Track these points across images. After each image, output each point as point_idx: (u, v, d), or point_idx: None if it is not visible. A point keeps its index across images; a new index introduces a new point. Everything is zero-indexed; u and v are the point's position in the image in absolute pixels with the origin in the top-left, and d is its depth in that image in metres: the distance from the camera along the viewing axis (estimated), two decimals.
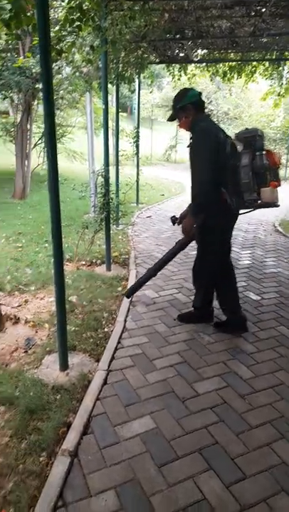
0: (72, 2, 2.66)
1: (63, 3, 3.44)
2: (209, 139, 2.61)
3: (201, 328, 3.14)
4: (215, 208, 2.67)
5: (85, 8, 2.71)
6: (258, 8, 4.57)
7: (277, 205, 2.57)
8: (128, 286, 3.91)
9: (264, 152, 2.54)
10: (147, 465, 1.86)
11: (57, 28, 3.13)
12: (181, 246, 3.11)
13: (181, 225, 2.97)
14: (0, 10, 2.09)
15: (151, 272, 3.42)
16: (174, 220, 3.11)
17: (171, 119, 2.94)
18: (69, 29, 2.88)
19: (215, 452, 1.94)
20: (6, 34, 2.78)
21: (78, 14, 2.68)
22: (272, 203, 2.55)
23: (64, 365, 2.62)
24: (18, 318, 3.32)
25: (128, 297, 3.59)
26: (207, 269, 3.04)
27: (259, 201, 2.58)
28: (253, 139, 2.58)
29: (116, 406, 2.26)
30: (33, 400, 2.27)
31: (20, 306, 3.59)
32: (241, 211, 2.75)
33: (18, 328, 3.19)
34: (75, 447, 1.94)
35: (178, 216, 3.10)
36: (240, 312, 3.15)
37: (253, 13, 4.74)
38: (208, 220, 2.75)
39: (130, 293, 3.58)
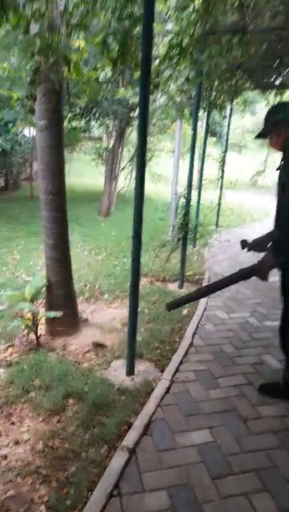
0: (174, 40, 2.92)
1: (164, 40, 3.76)
2: None
3: (269, 355, 3.07)
4: None
5: (184, 45, 2.95)
6: None
7: None
8: (199, 307, 3.97)
9: None
10: (202, 474, 1.88)
11: (156, 63, 3.43)
12: (241, 276, 2.40)
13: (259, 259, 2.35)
14: (110, 52, 2.41)
15: (202, 293, 2.86)
16: (244, 244, 2.55)
17: (260, 135, 2.50)
18: (167, 64, 3.13)
19: (273, 476, 1.89)
20: (111, 70, 3.13)
21: (178, 51, 2.92)
22: None
23: (130, 371, 2.76)
24: (92, 323, 3.58)
25: (169, 310, 2.92)
26: None
27: None
28: None
29: (176, 414, 2.32)
30: (100, 396, 2.44)
31: (95, 312, 3.86)
32: None
33: (92, 332, 3.44)
34: (134, 445, 2.04)
35: (250, 241, 2.53)
36: None
37: None
38: None
39: (172, 307, 2.80)
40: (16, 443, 2.12)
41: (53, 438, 2.12)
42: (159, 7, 3.34)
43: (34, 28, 2.67)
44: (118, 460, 1.93)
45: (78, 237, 6.98)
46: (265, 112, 2.43)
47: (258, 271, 2.29)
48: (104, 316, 3.78)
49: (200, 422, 2.27)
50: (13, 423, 2.27)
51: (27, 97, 2.85)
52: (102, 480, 1.82)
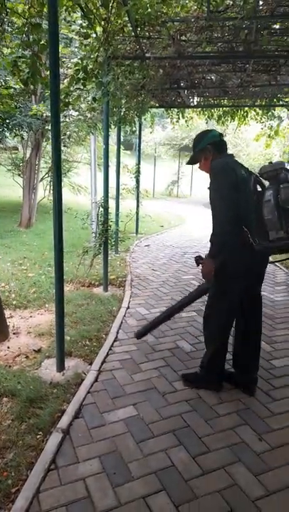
0: (78, 65, 3.25)
1: (72, 61, 4.08)
2: (225, 176, 2.38)
3: (183, 341, 3.51)
4: (235, 250, 2.38)
5: (89, 69, 3.30)
6: (242, 65, 5.25)
7: None
8: (122, 305, 4.30)
9: None
10: (128, 441, 2.20)
11: (65, 84, 3.72)
12: (200, 293, 2.74)
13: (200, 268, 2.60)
14: (20, 72, 2.66)
15: (164, 317, 3.07)
16: (197, 259, 2.64)
17: (191, 162, 2.72)
18: (75, 86, 3.46)
19: (186, 433, 2.28)
20: (23, 90, 3.36)
21: (83, 74, 3.26)
22: None
23: (61, 367, 2.98)
24: (20, 329, 3.71)
25: (138, 338, 3.28)
26: (218, 321, 2.64)
27: None
28: (276, 172, 2.32)
29: (104, 398, 2.61)
30: (33, 392, 2.63)
31: (23, 319, 3.98)
32: (278, 257, 2.57)
33: (20, 338, 3.57)
34: (67, 427, 2.29)
35: (203, 256, 2.64)
36: (254, 374, 2.77)
37: (238, 69, 5.41)
38: (228, 262, 2.44)
39: (140, 335, 3.24)
40: None
41: None
42: (64, 33, 3.67)
43: None
44: (53, 440, 2.16)
45: None
46: (193, 139, 2.73)
47: (204, 278, 2.61)
48: (32, 322, 3.92)
49: (125, 401, 2.59)
50: None
51: None
52: (40, 458, 2.04)
